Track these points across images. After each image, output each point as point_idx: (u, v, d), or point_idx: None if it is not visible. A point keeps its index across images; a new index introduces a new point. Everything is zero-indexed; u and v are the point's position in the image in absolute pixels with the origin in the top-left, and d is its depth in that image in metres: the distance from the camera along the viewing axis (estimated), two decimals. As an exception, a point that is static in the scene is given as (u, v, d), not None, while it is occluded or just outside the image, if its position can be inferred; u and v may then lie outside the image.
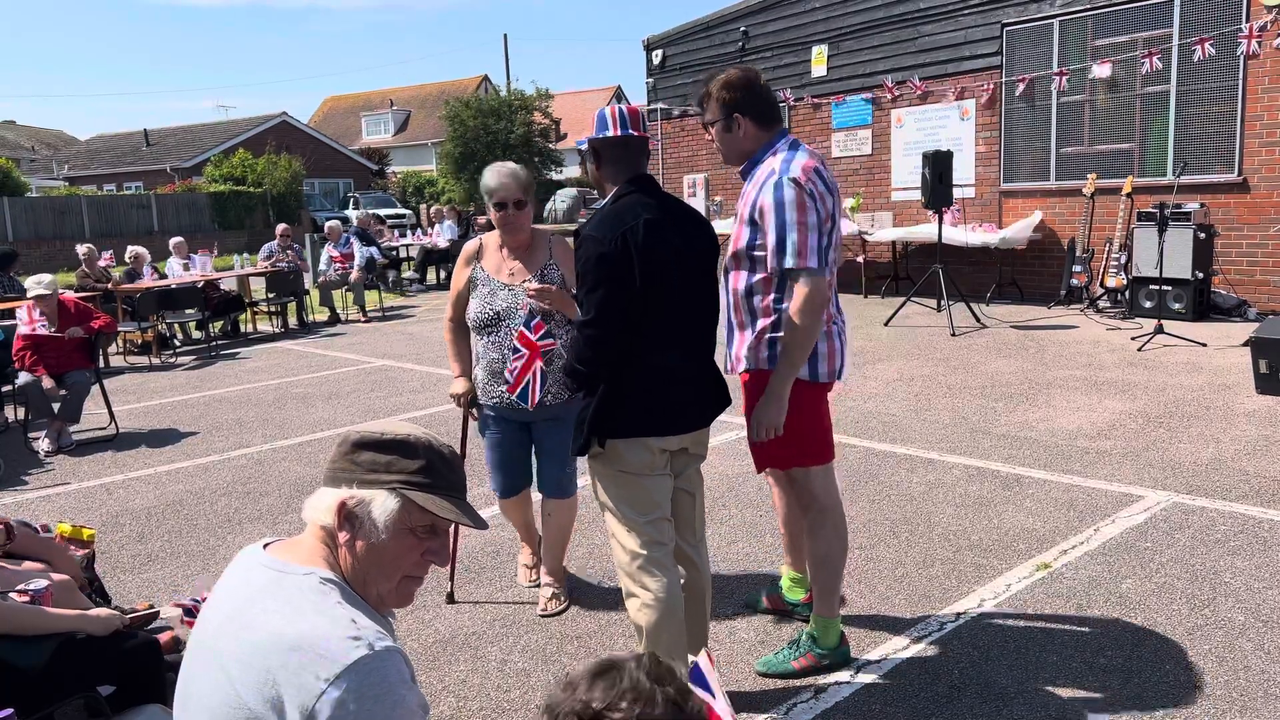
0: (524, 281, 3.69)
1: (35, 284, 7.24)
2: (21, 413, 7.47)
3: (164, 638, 3.37)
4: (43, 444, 6.96)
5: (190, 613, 3.37)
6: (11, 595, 2.88)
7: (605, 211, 2.85)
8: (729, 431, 6.39)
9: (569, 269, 3.72)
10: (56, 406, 7.09)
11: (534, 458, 3.94)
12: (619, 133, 2.91)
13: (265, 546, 1.70)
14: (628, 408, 2.85)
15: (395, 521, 1.59)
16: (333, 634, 1.49)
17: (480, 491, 5.06)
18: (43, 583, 3.00)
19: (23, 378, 7.04)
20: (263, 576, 1.61)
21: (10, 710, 2.51)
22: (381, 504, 1.59)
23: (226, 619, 1.60)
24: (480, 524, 1.68)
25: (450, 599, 4.10)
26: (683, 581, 3.04)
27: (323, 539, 1.63)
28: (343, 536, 1.61)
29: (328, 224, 14.72)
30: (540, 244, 3.82)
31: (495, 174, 3.71)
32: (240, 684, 1.51)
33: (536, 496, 4.03)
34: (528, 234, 3.79)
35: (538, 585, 4.09)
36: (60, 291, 7.43)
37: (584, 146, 3.03)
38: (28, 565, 3.18)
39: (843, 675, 3.36)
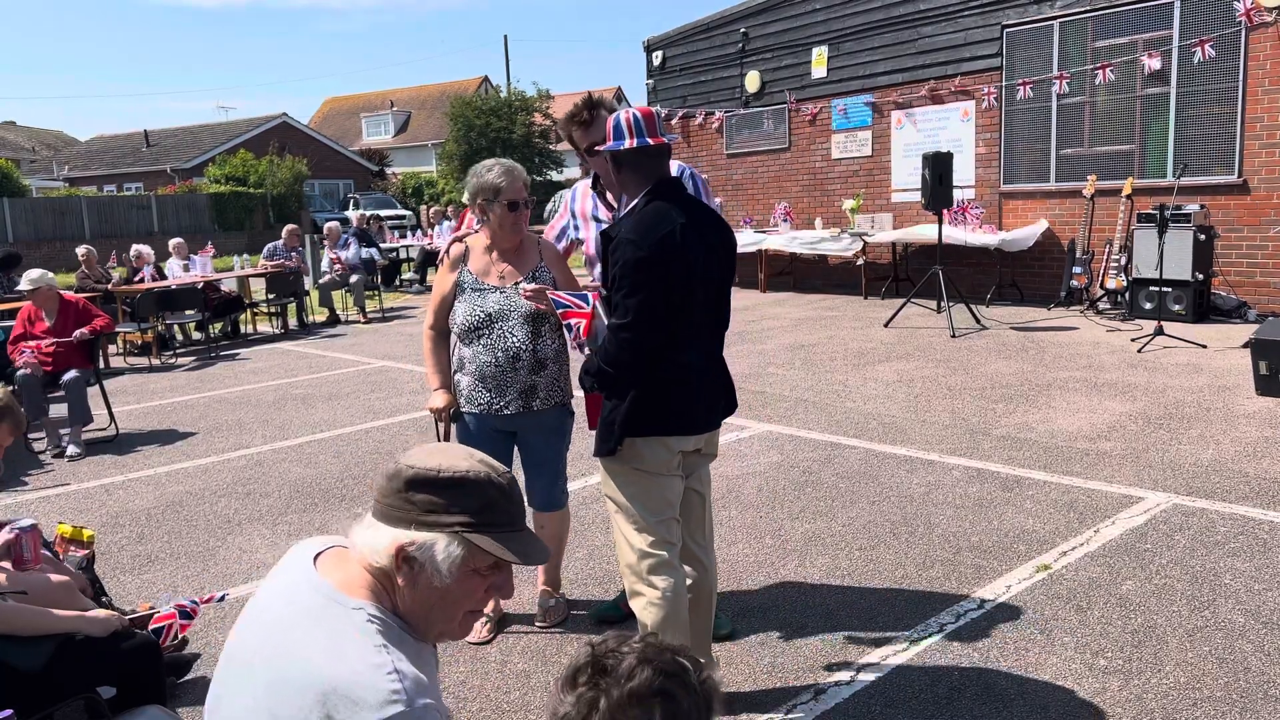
0: (516, 284, 3.57)
1: (26, 280, 7.25)
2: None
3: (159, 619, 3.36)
4: (70, 448, 6.93)
5: (188, 614, 3.35)
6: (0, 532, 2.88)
7: (639, 215, 2.85)
8: (729, 433, 6.39)
9: (560, 271, 3.67)
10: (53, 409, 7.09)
11: (523, 470, 3.76)
12: (635, 143, 2.90)
13: (317, 557, 1.63)
14: (653, 407, 2.86)
15: (460, 565, 1.53)
16: (371, 683, 1.43)
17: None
18: (27, 521, 3.01)
19: (20, 373, 7.04)
20: (310, 599, 1.55)
21: (10, 711, 2.51)
22: (444, 549, 1.52)
23: (266, 636, 1.55)
24: (544, 556, 1.61)
25: None
26: (689, 582, 3.04)
27: (374, 573, 1.56)
28: (401, 579, 1.54)
29: (327, 225, 14.73)
30: (529, 247, 3.69)
31: (504, 172, 3.54)
32: (270, 713, 1.47)
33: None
34: (523, 235, 3.67)
35: (487, 642, 3.77)
36: (61, 291, 7.43)
37: (604, 152, 3.02)
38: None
39: (843, 676, 3.36)
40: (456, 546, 1.52)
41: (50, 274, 7.42)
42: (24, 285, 7.26)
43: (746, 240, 13.72)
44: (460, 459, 1.58)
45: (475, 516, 1.54)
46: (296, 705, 1.45)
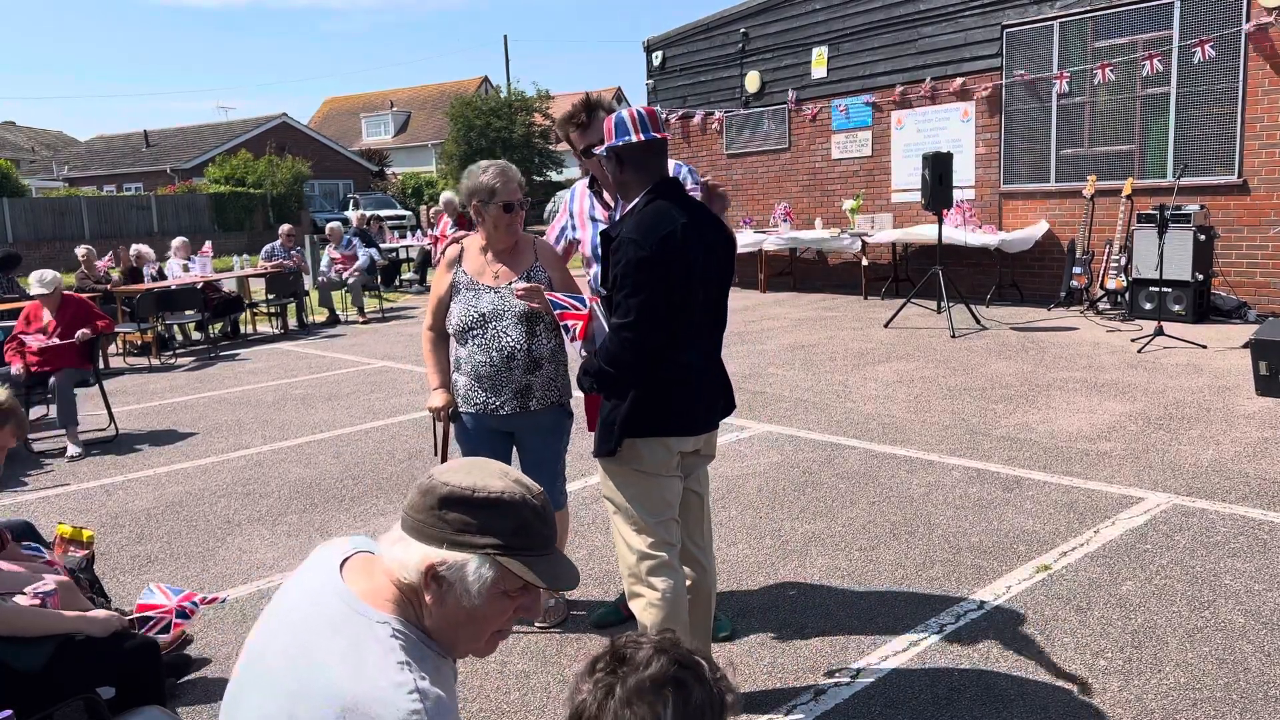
0: (510, 284, 3.57)
1: (38, 282, 7.20)
2: (39, 411, 7.46)
3: (166, 639, 3.36)
4: (70, 449, 6.93)
5: (185, 614, 3.34)
6: (17, 598, 2.88)
7: (640, 214, 2.85)
8: (729, 433, 6.39)
9: (556, 270, 3.67)
10: (43, 411, 7.06)
11: (522, 471, 3.77)
12: (642, 137, 2.88)
13: (344, 562, 1.61)
14: (654, 407, 2.86)
15: (490, 587, 1.51)
16: (392, 701, 1.42)
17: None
18: (50, 585, 3.00)
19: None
20: (334, 607, 1.53)
21: (9, 711, 2.51)
22: (475, 570, 1.50)
23: (290, 639, 1.53)
24: (574, 581, 1.58)
25: None
26: (689, 583, 3.04)
27: (401, 587, 1.54)
28: (429, 596, 1.52)
29: (329, 225, 14.75)
30: (525, 247, 3.68)
31: (499, 173, 3.53)
32: (290, 718, 1.47)
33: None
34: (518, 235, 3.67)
35: None
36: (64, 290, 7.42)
37: (602, 153, 3.01)
38: (28, 567, 3.17)
39: (843, 677, 3.36)
40: (488, 568, 1.50)
41: (59, 276, 7.39)
42: (36, 289, 7.16)
43: (746, 240, 13.73)
44: (495, 478, 1.55)
45: (508, 539, 1.51)
46: (316, 717, 1.44)
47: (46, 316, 7.22)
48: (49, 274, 7.29)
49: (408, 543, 1.53)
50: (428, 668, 1.50)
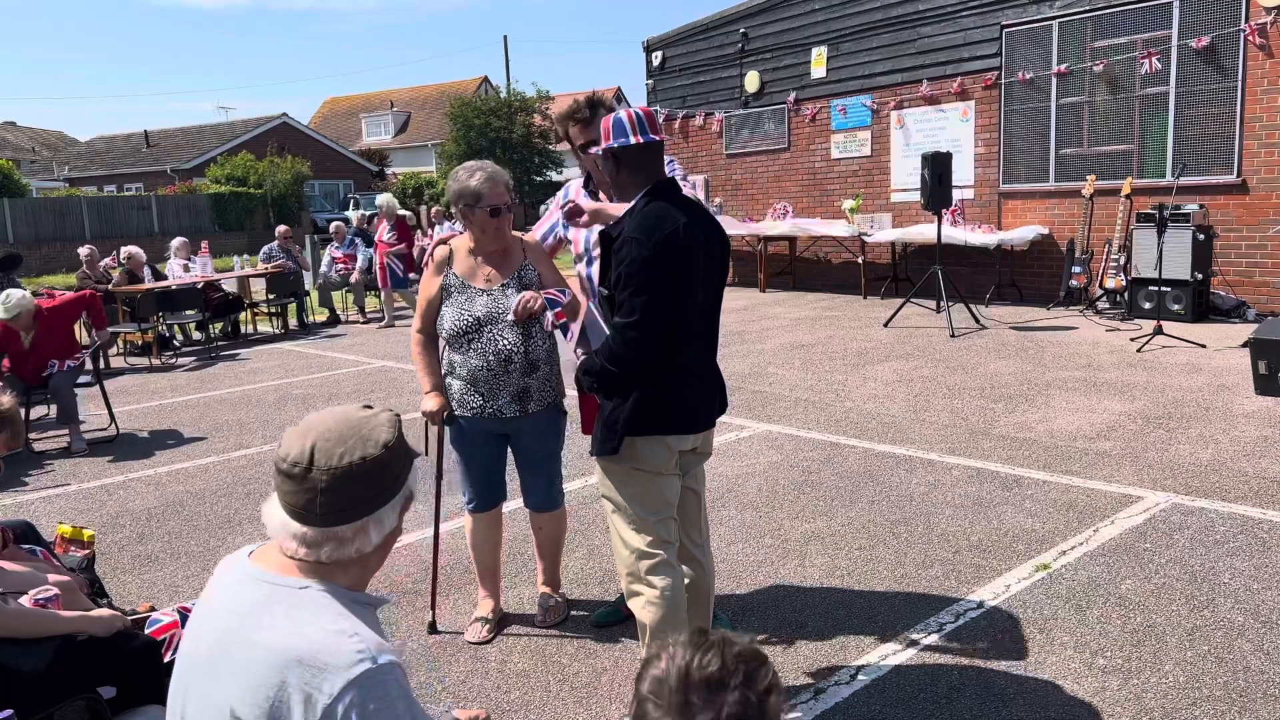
0: (503, 285, 3.56)
1: (2, 309, 6.74)
2: (39, 411, 7.46)
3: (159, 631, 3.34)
4: (75, 444, 6.95)
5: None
6: (22, 599, 2.89)
7: (642, 214, 2.85)
8: (729, 432, 6.39)
9: (545, 267, 3.67)
10: (44, 411, 7.05)
11: (518, 471, 3.77)
12: (640, 139, 2.89)
13: (250, 554, 1.71)
14: (656, 406, 2.86)
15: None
16: (336, 647, 1.51)
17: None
18: (53, 590, 3.00)
19: None
20: (256, 591, 1.62)
21: (10, 711, 2.52)
22: (411, 494, 1.73)
23: (223, 634, 1.59)
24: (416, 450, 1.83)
25: (432, 629, 3.87)
26: (687, 581, 3.05)
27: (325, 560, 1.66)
28: (383, 540, 1.68)
29: (333, 225, 14.78)
30: (513, 246, 3.66)
31: (486, 178, 3.49)
32: (240, 703, 1.51)
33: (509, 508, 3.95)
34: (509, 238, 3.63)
35: (487, 642, 3.76)
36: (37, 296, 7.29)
37: (598, 153, 3.01)
38: (30, 567, 3.18)
39: (843, 676, 3.36)
40: (412, 485, 1.72)
41: (29, 298, 6.94)
42: (2, 314, 6.76)
43: (750, 229, 13.71)
44: (382, 427, 1.68)
45: (412, 452, 1.72)
46: (263, 687, 1.49)
47: (25, 338, 6.94)
48: (16, 294, 6.84)
49: (365, 525, 1.63)
50: (360, 617, 1.60)
